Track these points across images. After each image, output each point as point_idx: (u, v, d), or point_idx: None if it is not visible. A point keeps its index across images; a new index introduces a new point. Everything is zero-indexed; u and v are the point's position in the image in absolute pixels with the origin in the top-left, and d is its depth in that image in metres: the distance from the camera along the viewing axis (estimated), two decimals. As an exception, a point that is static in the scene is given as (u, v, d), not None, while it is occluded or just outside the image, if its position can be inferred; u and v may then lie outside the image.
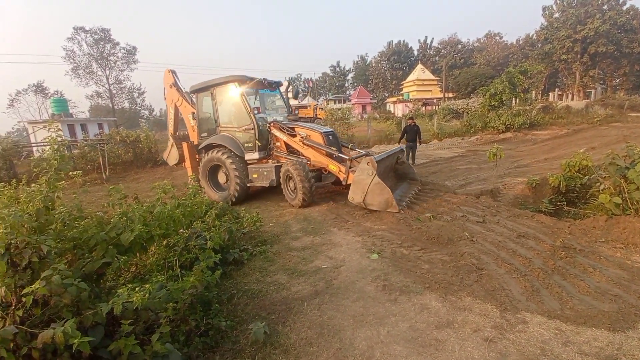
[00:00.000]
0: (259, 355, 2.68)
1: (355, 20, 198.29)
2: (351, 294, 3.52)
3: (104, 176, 13.72)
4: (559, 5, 44.72)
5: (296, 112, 9.59)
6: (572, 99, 40.55)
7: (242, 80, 7.61)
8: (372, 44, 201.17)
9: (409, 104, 43.31)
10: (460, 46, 66.75)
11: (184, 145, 8.92)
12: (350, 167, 6.63)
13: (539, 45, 49.50)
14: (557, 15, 44.69)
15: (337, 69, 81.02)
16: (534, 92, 41.89)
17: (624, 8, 42.35)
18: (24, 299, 1.80)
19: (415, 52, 71.88)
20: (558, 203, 6.13)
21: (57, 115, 23.92)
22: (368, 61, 78.36)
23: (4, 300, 1.94)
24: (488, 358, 2.50)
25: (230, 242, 4.58)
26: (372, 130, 19.60)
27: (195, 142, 8.80)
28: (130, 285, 2.09)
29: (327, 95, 70.42)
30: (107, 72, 48.22)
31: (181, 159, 9.69)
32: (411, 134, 11.26)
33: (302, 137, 7.21)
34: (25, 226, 1.94)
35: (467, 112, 24.99)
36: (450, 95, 48.70)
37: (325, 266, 4.21)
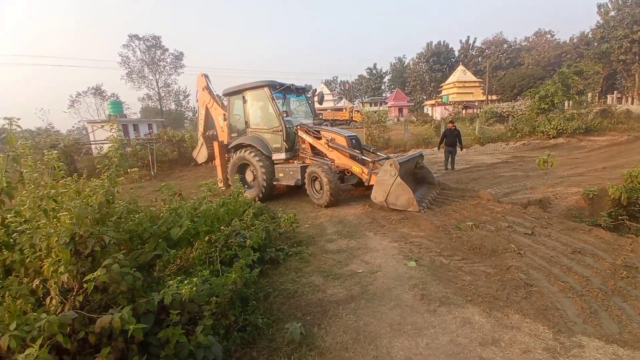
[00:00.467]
0: (294, 355, 2.70)
1: (393, 21, 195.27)
2: (388, 301, 3.43)
3: (152, 173, 14.68)
4: (614, 3, 40.78)
5: (320, 116, 9.88)
6: (632, 103, 36.62)
7: (272, 85, 8.05)
8: (410, 46, 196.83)
9: (449, 107, 41.66)
10: (505, 46, 63.12)
11: (215, 144, 9.43)
12: (372, 169, 6.93)
13: (595, 44, 45.39)
14: (612, 13, 40.77)
15: (374, 71, 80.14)
16: (589, 94, 38.37)
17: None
18: (85, 285, 1.96)
19: (456, 53, 69.11)
20: (619, 217, 5.58)
21: (113, 116, 26.05)
22: (406, 63, 76.71)
23: (66, 285, 2.12)
24: (539, 382, 2.31)
25: (267, 242, 4.68)
26: (409, 134, 19.14)
27: (225, 142, 9.30)
28: (178, 278, 2.20)
29: (363, 98, 69.83)
30: (157, 76, 51.66)
31: (210, 158, 10.29)
32: (451, 139, 10.81)
33: (327, 140, 7.56)
34: (89, 218, 2.12)
35: (513, 116, 23.53)
36: (494, 97, 46.19)
37: (360, 271, 4.16)
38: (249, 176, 8.55)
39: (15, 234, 2.20)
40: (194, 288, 2.11)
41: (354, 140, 7.68)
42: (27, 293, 2.10)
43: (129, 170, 2.75)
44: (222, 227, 3.66)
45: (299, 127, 8.09)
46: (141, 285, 2.15)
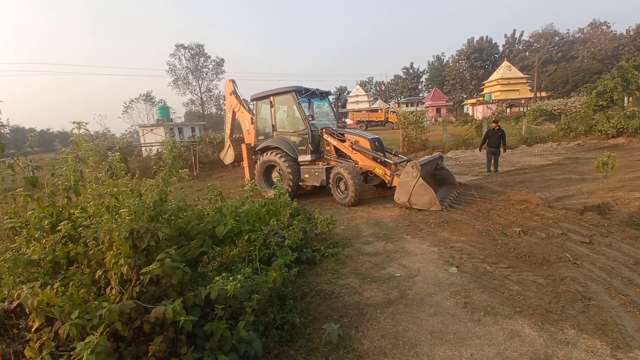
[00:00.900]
0: (332, 357, 2.70)
1: (432, 18, 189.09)
2: (427, 307, 3.32)
3: (195, 173, 15.49)
4: None
5: (344, 119, 10.21)
6: None
7: (298, 90, 8.40)
8: (449, 43, 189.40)
9: (491, 106, 39.45)
10: (557, 38, 58.53)
11: (243, 146, 9.81)
12: (394, 171, 7.23)
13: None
14: None
15: (411, 70, 78.11)
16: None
17: None
18: (141, 277, 2.12)
19: (500, 48, 65.31)
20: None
21: (161, 120, 27.92)
22: (445, 61, 73.86)
23: (125, 277, 2.30)
24: (601, 405, 2.11)
25: (304, 242, 4.73)
26: (448, 135, 18.40)
27: (252, 144, 9.70)
28: (224, 274, 2.30)
29: (399, 98, 68.28)
30: (200, 82, 54.50)
31: (236, 159, 10.74)
32: (494, 139, 10.21)
33: (351, 143, 7.85)
34: (145, 215, 2.29)
35: (566, 114, 21.72)
36: (543, 94, 42.96)
37: (398, 274, 4.07)
38: (275, 176, 8.90)
39: (80, 228, 2.43)
40: (239, 284, 2.19)
41: (376, 143, 7.94)
42: (89, 283, 2.31)
43: (179, 170, 2.94)
44: (262, 227, 3.76)
45: (323, 130, 8.40)
46: (189, 280, 2.27)
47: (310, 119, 8.38)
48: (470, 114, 45.09)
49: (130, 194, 2.63)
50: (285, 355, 2.76)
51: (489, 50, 64.34)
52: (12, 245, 2.71)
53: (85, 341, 1.77)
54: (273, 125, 8.90)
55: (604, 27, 56.40)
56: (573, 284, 3.54)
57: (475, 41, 64.93)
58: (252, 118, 9.69)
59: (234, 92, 10.45)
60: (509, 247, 4.60)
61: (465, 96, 63.97)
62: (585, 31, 58.31)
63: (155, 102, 54.88)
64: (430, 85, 72.70)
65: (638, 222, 5.58)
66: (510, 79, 45.14)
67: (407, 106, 49.44)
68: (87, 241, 2.35)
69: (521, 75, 46.37)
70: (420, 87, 78.45)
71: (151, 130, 22.04)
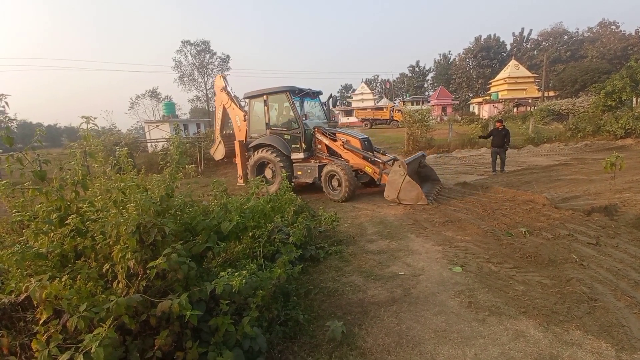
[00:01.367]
0: (335, 354, 2.70)
1: (439, 16, 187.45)
2: (431, 306, 3.31)
3: (200, 169, 15.56)
4: None
5: (334, 119, 10.54)
6: None
7: (292, 90, 8.66)
8: (456, 41, 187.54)
9: (498, 105, 39.08)
10: (566, 37, 57.71)
11: (236, 143, 9.91)
12: (382, 170, 7.69)
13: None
14: None
15: (417, 69, 77.55)
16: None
17: None
18: (148, 272, 2.13)
19: (508, 47, 64.55)
20: None
21: (166, 116, 28.04)
22: (451, 59, 73.20)
23: (132, 271, 2.32)
24: (606, 407, 2.09)
25: (308, 239, 4.74)
26: (454, 134, 18.27)
27: (244, 141, 9.84)
28: (229, 269, 2.32)
29: (404, 97, 67.88)
30: (205, 78, 54.62)
31: (227, 155, 10.83)
32: (498, 139, 10.05)
33: (342, 142, 8.23)
34: (152, 209, 2.31)
35: (574, 114, 21.46)
36: (551, 94, 42.45)
37: (402, 273, 4.06)
38: (268, 173, 9.11)
39: (88, 222, 2.45)
40: (244, 280, 2.20)
41: (366, 142, 8.36)
42: (97, 276, 2.33)
43: (186, 166, 2.95)
44: (266, 223, 3.77)
45: (316, 129, 8.69)
46: (194, 275, 2.29)
47: (304, 118, 8.64)
48: (477, 113, 44.72)
49: (137, 189, 2.65)
50: (289, 351, 2.77)
51: (497, 48, 63.64)
52: (20, 239, 2.75)
53: (93, 334, 1.79)
54: (267, 124, 9.05)
55: (613, 27, 55.55)
56: (579, 285, 3.51)
57: (482, 39, 64.24)
58: (244, 115, 9.79)
59: (225, 89, 10.51)
60: (515, 247, 4.57)
61: (471, 95, 63.44)
62: (594, 30, 57.46)
63: (161, 99, 55.18)
64: (436, 84, 72.19)
65: (646, 224, 5.51)
66: (517, 77, 44.62)
67: (412, 105, 49.18)
68: (95, 235, 2.37)
69: (529, 74, 45.82)
70: (426, 85, 77.92)
71: (157, 126, 22.17)
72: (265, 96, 8.95)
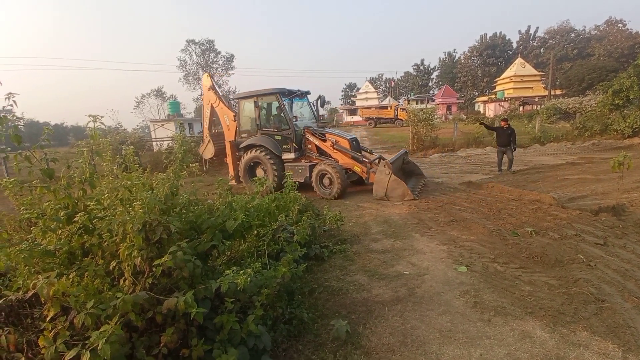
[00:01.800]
0: (340, 352, 2.71)
1: (444, 14, 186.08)
2: (436, 305, 3.30)
3: (204, 168, 15.62)
4: None
5: (322, 119, 10.69)
6: None
7: (282, 92, 8.89)
8: (461, 39, 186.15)
9: (504, 104, 38.75)
10: (573, 35, 57.01)
11: (227, 144, 10.03)
12: (370, 169, 8.05)
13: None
14: None
15: (421, 67, 77.11)
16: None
17: None
18: (154, 269, 2.15)
19: (514, 45, 63.92)
20: None
21: (171, 115, 28.17)
22: (456, 58, 72.66)
23: (138, 268, 2.33)
24: (614, 409, 2.07)
25: (312, 238, 4.74)
26: (459, 133, 18.15)
27: (233, 140, 9.97)
28: (234, 268, 2.32)
29: (409, 95, 67.52)
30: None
31: (216, 154, 10.92)
32: (503, 138, 9.89)
33: (332, 142, 8.51)
34: (157, 208, 2.32)
35: (581, 112, 21.20)
36: (558, 92, 41.99)
37: (407, 272, 4.05)
38: (259, 173, 9.23)
39: (95, 220, 2.47)
40: (249, 279, 2.21)
41: (354, 142, 8.67)
42: (104, 274, 2.35)
43: (190, 165, 2.96)
44: (271, 222, 3.77)
45: (305, 129, 8.92)
46: (200, 273, 2.30)
47: (294, 119, 8.94)
48: (482, 112, 44.40)
49: (143, 188, 2.67)
50: (294, 349, 2.78)
51: (502, 46, 63.06)
52: (28, 236, 2.78)
53: (100, 330, 1.80)
54: (257, 124, 9.18)
55: (620, 25, 54.78)
56: (586, 285, 3.47)
57: (488, 37, 63.70)
58: (234, 115, 9.88)
59: (213, 87, 10.53)
60: (521, 247, 4.53)
61: (476, 94, 62.96)
62: (601, 28, 56.71)
63: (166, 98, 55.44)
64: (441, 83, 71.77)
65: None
66: (523, 76, 44.20)
67: (417, 103, 48.93)
68: (102, 233, 2.39)
69: (535, 72, 45.36)
70: (430, 84, 77.47)
71: (162, 125, 22.30)
72: (255, 97, 9.12)
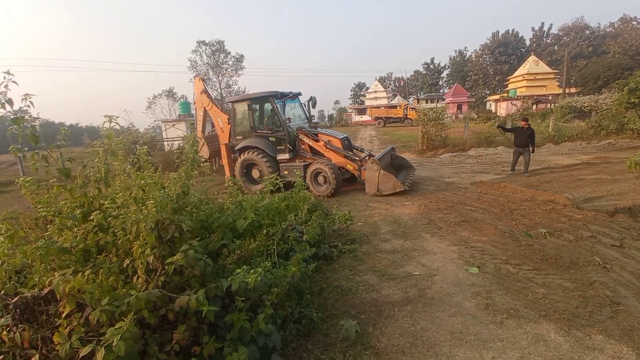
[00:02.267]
0: (349, 352, 2.70)
1: (454, 12, 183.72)
2: (447, 307, 3.26)
3: (214, 167, 15.78)
4: None
5: (314, 119, 11.02)
6: None
7: (275, 95, 9.19)
8: (473, 37, 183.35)
9: (516, 102, 38.02)
10: (588, 32, 55.60)
11: (222, 146, 10.21)
12: (361, 166, 8.42)
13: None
14: None
15: (431, 66, 76.25)
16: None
17: None
18: (166, 267, 2.18)
19: (528, 42, 62.66)
20: None
21: (182, 115, 28.50)
22: (467, 56, 71.63)
23: (151, 266, 2.37)
24: (632, 416, 2.01)
25: (322, 238, 4.74)
26: (469, 132, 17.89)
27: (227, 142, 10.17)
28: (244, 267, 2.34)
29: (418, 94, 66.81)
30: (220, 78, 55.27)
31: (211, 155, 11.07)
32: (523, 139, 9.43)
33: (325, 142, 8.83)
34: (169, 207, 2.35)
35: (596, 111, 20.66)
36: (573, 90, 41.01)
37: (417, 273, 4.01)
38: (255, 174, 9.45)
39: (110, 218, 2.52)
40: (259, 278, 2.22)
41: (346, 142, 9.03)
42: (118, 271, 2.40)
43: (201, 164, 3.00)
44: (280, 222, 3.79)
45: (299, 130, 9.22)
46: (210, 271, 2.32)
47: (287, 121, 9.17)
48: (493, 111, 43.68)
49: (155, 187, 2.71)
50: (303, 349, 2.78)
51: (515, 44, 61.85)
52: (45, 234, 2.85)
53: (115, 327, 1.83)
54: (252, 127, 9.42)
55: (634, 23, 53.26)
56: (602, 288, 3.39)
57: (500, 35, 62.57)
58: (228, 118, 10.05)
59: (205, 91, 10.66)
60: (534, 248, 4.45)
61: (488, 92, 61.95)
62: (615, 26, 55.21)
63: (177, 98, 56.13)
64: (451, 81, 70.81)
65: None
66: (537, 74, 43.27)
67: (427, 102, 48.46)
68: (116, 231, 2.43)
69: (549, 70, 44.36)
70: (441, 83, 76.55)
71: (173, 125, 22.58)
72: (249, 101, 9.37)
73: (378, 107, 47.79)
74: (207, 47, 53.02)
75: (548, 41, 61.15)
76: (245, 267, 2.34)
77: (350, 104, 75.59)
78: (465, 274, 3.90)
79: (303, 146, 9.30)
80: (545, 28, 61.79)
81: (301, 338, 2.90)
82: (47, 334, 2.18)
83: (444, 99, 53.18)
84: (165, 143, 19.79)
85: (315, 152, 9.14)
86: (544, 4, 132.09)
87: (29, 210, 5.57)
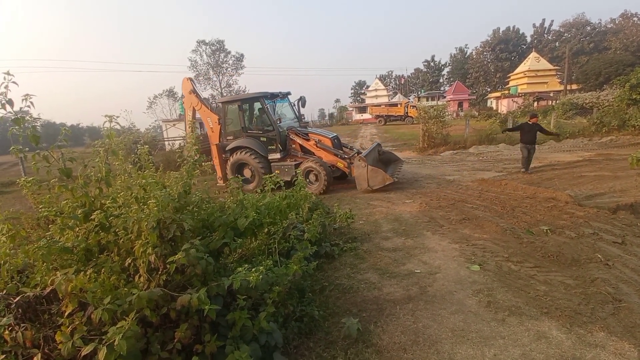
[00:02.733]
0: (351, 350, 2.70)
1: (454, 9, 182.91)
2: (449, 305, 3.26)
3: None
4: None
5: (304, 119, 11.28)
6: None
7: (265, 96, 9.39)
8: (474, 34, 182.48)
9: (517, 99, 37.91)
10: (589, 28, 55.35)
11: (213, 147, 10.25)
12: (350, 163, 8.60)
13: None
14: None
15: (432, 63, 76.01)
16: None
17: None
18: (168, 266, 2.18)
19: (529, 39, 62.41)
20: None
21: (183, 115, 28.51)
22: (468, 53, 71.38)
23: (152, 265, 2.37)
24: (634, 413, 2.01)
25: (323, 236, 4.74)
26: (470, 129, 17.84)
27: (217, 142, 10.20)
28: (246, 265, 2.35)
29: (419, 92, 66.64)
30: (220, 77, 55.26)
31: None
32: (531, 135, 9.13)
33: (315, 141, 9.02)
34: (170, 206, 2.36)
35: (598, 107, 20.58)
36: (574, 87, 40.84)
37: (418, 271, 4.01)
38: (247, 173, 9.58)
39: (111, 218, 2.52)
40: (260, 276, 2.22)
41: (335, 140, 9.27)
42: (119, 270, 2.40)
43: (202, 164, 3.00)
44: (282, 220, 3.79)
45: (289, 130, 9.39)
46: (212, 270, 2.33)
47: (278, 122, 9.32)
48: (494, 108, 43.56)
49: (156, 186, 2.71)
50: (304, 347, 2.79)
51: (516, 41, 61.63)
52: (47, 234, 2.86)
53: (117, 326, 1.84)
54: (243, 127, 9.52)
55: (635, 19, 53.01)
56: (604, 285, 3.38)
57: (501, 32, 62.36)
58: (218, 119, 10.10)
59: (194, 91, 10.64)
60: (536, 246, 4.44)
61: (489, 89, 61.79)
62: (616, 22, 54.96)
63: (178, 98, 56.14)
64: (452, 79, 70.59)
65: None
66: (538, 70, 43.11)
67: (427, 100, 48.36)
68: (117, 230, 2.44)
69: (550, 66, 44.18)
70: (441, 80, 76.33)
71: (174, 124, 22.60)
72: (240, 102, 9.46)
73: (379, 105, 47.75)
74: (207, 47, 53.07)
75: (549, 37, 60.92)
76: (246, 265, 2.34)
77: (351, 103, 75.44)
78: (467, 272, 3.90)
79: (294, 145, 9.46)
80: (547, 24, 61.64)
81: (303, 336, 2.90)
82: (49, 333, 2.19)
83: (444, 97, 53.07)
84: (166, 143, 19.81)
85: (306, 151, 9.30)
86: (545, 0, 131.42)
87: (30, 210, 5.59)
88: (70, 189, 2.39)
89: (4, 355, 2.05)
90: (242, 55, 55.41)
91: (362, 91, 78.43)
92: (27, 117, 2.39)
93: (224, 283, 2.20)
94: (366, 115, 52.77)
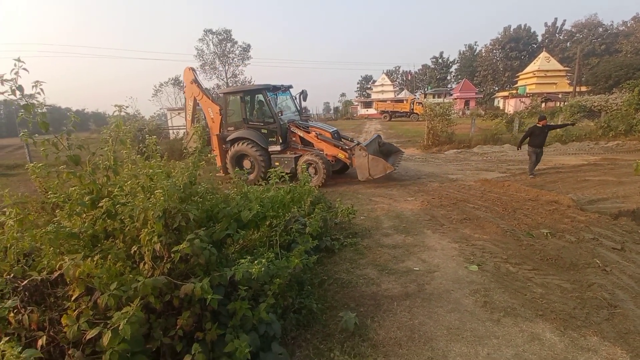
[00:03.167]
0: (347, 344, 2.77)
1: (466, 5, 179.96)
2: (445, 303, 3.31)
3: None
4: None
5: (308, 112, 11.44)
6: None
7: (268, 88, 9.44)
8: (484, 32, 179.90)
9: (525, 100, 37.49)
10: (601, 29, 54.41)
11: (213, 137, 10.29)
12: (351, 154, 8.68)
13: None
14: None
15: (440, 60, 75.14)
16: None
17: None
18: (172, 255, 2.24)
19: (540, 38, 61.48)
20: None
21: (188, 103, 28.46)
22: (477, 51, 70.47)
23: (157, 253, 2.43)
24: (622, 415, 2.06)
25: (324, 230, 4.79)
26: (476, 129, 17.74)
27: (217, 133, 10.25)
28: (248, 257, 2.40)
29: (426, 89, 66.09)
30: (226, 67, 54.99)
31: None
32: (541, 138, 8.93)
33: (316, 134, 9.11)
34: (176, 196, 2.40)
35: (606, 111, 20.33)
36: (584, 89, 40.32)
37: (417, 269, 4.06)
38: (246, 165, 9.67)
39: (118, 206, 2.57)
40: (262, 268, 2.27)
41: (335, 134, 9.45)
42: (125, 257, 2.46)
43: (208, 154, 3.03)
44: (284, 213, 3.83)
45: (290, 123, 9.46)
46: (215, 260, 2.38)
47: (279, 114, 9.40)
48: (501, 108, 43.16)
49: (162, 176, 2.75)
50: (302, 338, 2.86)
51: (527, 39, 60.73)
52: (54, 219, 2.91)
53: (122, 311, 1.89)
54: (244, 119, 9.54)
55: (646, 22, 52.09)
56: (600, 290, 3.41)
57: (512, 30, 61.44)
58: (220, 109, 10.09)
59: (195, 81, 10.64)
60: (535, 248, 4.47)
61: (496, 88, 61.15)
62: (628, 25, 53.96)
63: (183, 86, 56.07)
64: (459, 76, 69.86)
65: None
66: (547, 71, 42.54)
67: (434, 97, 47.93)
68: (124, 218, 2.49)
69: (560, 67, 43.57)
70: (449, 77, 75.54)
71: (178, 113, 22.61)
72: (242, 93, 9.50)
73: (384, 100, 47.43)
74: (214, 36, 52.68)
75: (560, 37, 59.99)
76: (248, 257, 2.39)
77: (357, 97, 74.98)
78: (465, 272, 3.94)
79: (294, 138, 9.51)
80: (559, 24, 60.63)
81: (301, 328, 2.97)
82: (55, 316, 2.25)
83: (451, 94, 52.54)
84: (171, 131, 19.86)
85: (306, 144, 9.36)
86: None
87: (35, 193, 5.66)
88: (79, 176, 2.44)
89: (7, 338, 2.11)
90: (249, 45, 55.02)
91: (369, 86, 77.89)
92: (36, 102, 2.42)
93: (226, 273, 2.26)
94: (371, 110, 52.51)
